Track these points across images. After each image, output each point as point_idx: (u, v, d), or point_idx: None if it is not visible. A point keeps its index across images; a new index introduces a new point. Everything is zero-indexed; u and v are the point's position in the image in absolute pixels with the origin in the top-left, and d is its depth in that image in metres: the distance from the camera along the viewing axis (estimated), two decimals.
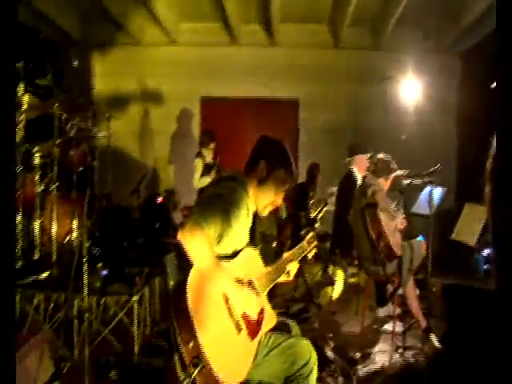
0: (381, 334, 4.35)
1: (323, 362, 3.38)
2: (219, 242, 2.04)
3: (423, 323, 3.94)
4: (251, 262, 2.23)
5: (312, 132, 8.07)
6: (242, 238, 2.23)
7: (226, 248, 2.11)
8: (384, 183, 4.26)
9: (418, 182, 4.48)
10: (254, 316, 2.08)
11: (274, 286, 2.32)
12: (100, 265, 4.00)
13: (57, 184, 4.25)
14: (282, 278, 2.40)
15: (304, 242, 2.61)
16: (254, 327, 2.07)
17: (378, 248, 3.87)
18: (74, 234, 4.24)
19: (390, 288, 4.50)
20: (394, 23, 6.96)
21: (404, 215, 4.34)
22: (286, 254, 2.43)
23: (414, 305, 4.00)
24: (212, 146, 6.16)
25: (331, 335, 4.04)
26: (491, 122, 1.01)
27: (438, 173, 4.12)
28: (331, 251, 5.39)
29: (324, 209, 6.24)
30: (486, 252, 5.78)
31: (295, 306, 4.85)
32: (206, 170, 6.01)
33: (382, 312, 4.77)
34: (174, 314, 1.82)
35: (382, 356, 3.80)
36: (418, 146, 6.69)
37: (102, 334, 3.57)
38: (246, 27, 7.79)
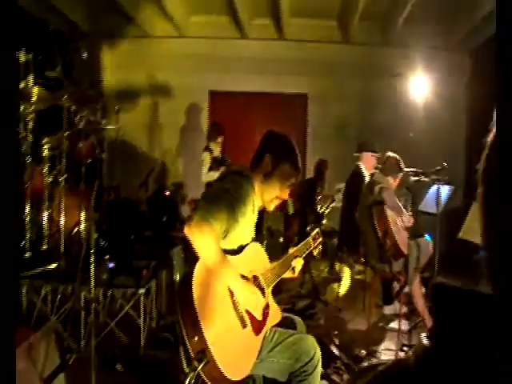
0: (387, 331, 4.34)
1: (328, 358, 3.39)
2: (225, 237, 2.04)
3: (429, 322, 3.93)
4: (257, 257, 2.23)
5: (321, 127, 8.03)
6: (248, 234, 2.23)
7: (232, 243, 2.12)
8: (392, 182, 4.25)
9: (426, 179, 4.46)
10: (258, 311, 2.09)
11: (279, 282, 2.32)
12: (107, 257, 4.02)
13: (65, 176, 4.27)
14: (287, 274, 2.40)
15: (309, 239, 2.61)
16: (258, 322, 2.07)
17: (385, 246, 3.86)
18: (82, 226, 4.26)
19: (396, 286, 4.49)
20: (403, 19, 6.90)
21: (411, 213, 4.33)
22: (291, 250, 2.44)
23: (420, 303, 3.99)
24: (220, 140, 6.15)
25: (337, 332, 4.04)
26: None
27: (446, 171, 4.10)
28: (338, 248, 5.38)
29: (331, 205, 6.23)
30: None
31: (301, 302, 4.86)
32: (214, 163, 6.01)
33: (388, 310, 4.76)
34: (180, 308, 1.83)
35: (387, 354, 3.81)
36: (427, 143, 6.65)
37: (108, 327, 3.59)
38: (255, 21, 7.75)
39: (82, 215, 4.28)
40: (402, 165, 4.27)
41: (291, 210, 6.45)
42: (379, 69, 7.48)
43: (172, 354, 3.09)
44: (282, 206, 5.82)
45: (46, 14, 6.35)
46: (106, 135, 5.27)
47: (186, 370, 1.77)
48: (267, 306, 2.16)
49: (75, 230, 4.31)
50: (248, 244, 2.19)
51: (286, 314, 2.43)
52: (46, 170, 4.25)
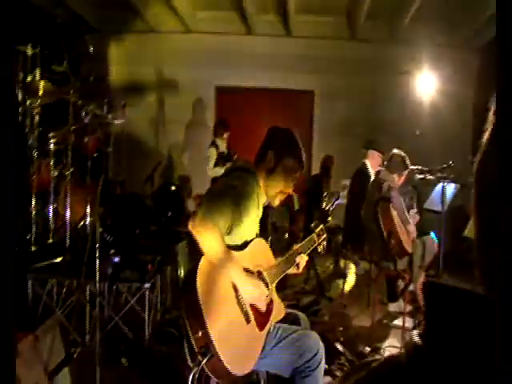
0: (391, 328, 4.33)
1: (332, 354, 3.39)
2: (229, 232, 2.05)
3: None
4: (261, 252, 2.24)
5: (327, 124, 8.02)
6: (252, 229, 2.24)
7: (236, 239, 2.12)
8: (397, 179, 4.23)
9: (431, 177, 4.45)
10: (262, 307, 2.09)
11: (284, 278, 2.32)
12: (112, 251, 4.03)
13: (71, 170, 4.28)
14: (291, 270, 2.40)
15: (313, 235, 2.61)
16: (262, 318, 2.08)
17: (390, 244, 3.85)
18: (88, 220, 4.28)
19: (401, 284, 4.48)
20: (410, 17, 6.87)
21: (417, 210, 4.31)
22: (295, 246, 2.44)
23: None
24: (226, 135, 6.16)
25: (341, 328, 4.04)
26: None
27: (451, 169, 4.09)
28: (343, 245, 5.37)
29: (336, 202, 6.22)
30: None
31: (306, 298, 4.86)
32: (220, 159, 6.01)
33: (392, 307, 4.75)
34: (184, 302, 1.84)
35: (391, 351, 3.80)
36: (433, 140, 6.61)
37: (113, 321, 3.61)
38: (262, 17, 7.72)
39: (88, 209, 4.30)
40: (408, 162, 4.25)
41: (296, 206, 6.45)
42: (386, 66, 7.45)
43: (176, 348, 3.10)
44: (287, 201, 5.82)
45: (53, 9, 6.36)
46: (112, 130, 5.28)
47: (190, 364, 1.78)
48: (271, 302, 2.17)
49: (81, 223, 4.33)
50: (252, 240, 2.20)
51: (291, 310, 2.43)
52: (52, 164, 4.27)
